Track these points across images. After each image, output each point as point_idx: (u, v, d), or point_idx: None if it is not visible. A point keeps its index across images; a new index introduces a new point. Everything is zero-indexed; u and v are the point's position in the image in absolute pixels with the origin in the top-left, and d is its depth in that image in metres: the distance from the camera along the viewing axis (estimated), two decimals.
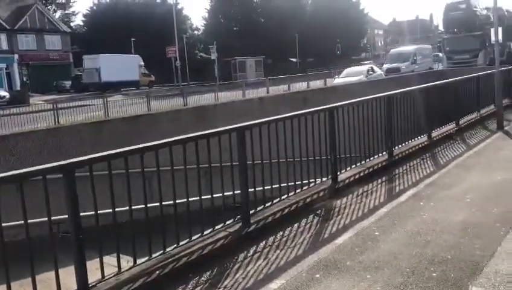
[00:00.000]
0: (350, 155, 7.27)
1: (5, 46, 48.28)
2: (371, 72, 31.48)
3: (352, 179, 6.78)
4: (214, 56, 48.66)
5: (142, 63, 50.76)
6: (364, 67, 33.03)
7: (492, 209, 5.33)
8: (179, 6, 65.72)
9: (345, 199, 6.11)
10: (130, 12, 61.11)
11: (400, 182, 6.85)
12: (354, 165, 7.19)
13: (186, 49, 55.22)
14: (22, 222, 3.33)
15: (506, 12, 36.52)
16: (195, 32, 73.04)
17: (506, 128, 10.97)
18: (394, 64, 36.86)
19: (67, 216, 3.56)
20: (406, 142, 8.68)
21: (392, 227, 5.01)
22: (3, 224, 3.25)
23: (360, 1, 79.45)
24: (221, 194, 4.95)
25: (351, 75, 30.59)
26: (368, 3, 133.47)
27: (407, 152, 8.34)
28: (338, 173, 6.61)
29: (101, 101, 19.96)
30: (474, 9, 36.49)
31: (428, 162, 8.03)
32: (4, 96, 33.26)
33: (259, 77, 46.11)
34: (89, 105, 20.75)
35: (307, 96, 20.05)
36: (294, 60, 67.03)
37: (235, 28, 68.13)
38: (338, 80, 30.56)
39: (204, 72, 53.90)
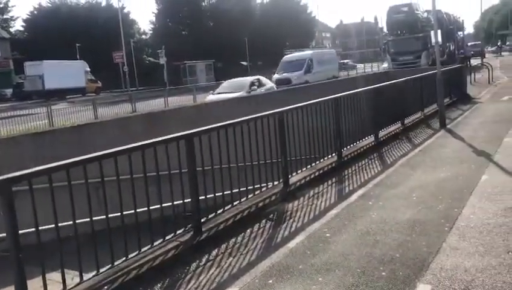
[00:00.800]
0: (300, 157, 7.34)
1: None
2: (255, 87, 23.72)
3: (303, 181, 6.84)
4: (162, 61, 48.04)
5: (88, 69, 49.33)
6: (247, 80, 25.11)
7: (437, 206, 5.52)
8: (125, 10, 64.54)
9: (296, 202, 6.15)
10: (74, 17, 59.28)
11: (350, 183, 6.98)
12: (304, 168, 7.27)
13: (134, 53, 54.28)
14: None
15: (445, 15, 38.34)
16: (143, 36, 71.91)
17: (448, 126, 11.45)
18: (284, 75, 30.33)
19: (5, 235, 3.37)
20: (355, 143, 8.87)
21: (343, 228, 5.09)
22: None
23: (307, 5, 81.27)
24: (170, 203, 4.84)
25: (229, 90, 23.34)
26: (315, 6, 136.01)
27: (355, 153, 8.52)
28: (289, 176, 6.65)
29: (44, 109, 19.14)
30: (416, 12, 37.98)
31: (376, 162, 8.23)
32: None
33: (210, 81, 45.90)
34: (32, 114, 19.87)
35: (259, 99, 20.09)
36: (244, 63, 67.28)
37: (183, 32, 67.58)
38: (211, 97, 23.13)
39: (154, 77, 53.15)
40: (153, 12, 70.88)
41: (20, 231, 3.41)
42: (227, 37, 62.84)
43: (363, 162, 8.19)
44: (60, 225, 3.76)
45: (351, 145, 8.70)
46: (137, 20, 75.75)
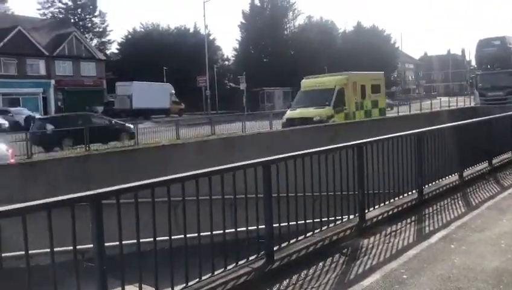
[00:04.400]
0: (378, 192, 7.11)
1: (43, 72, 50.42)
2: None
3: (380, 217, 6.61)
4: (242, 86, 49.23)
5: (173, 91, 51.78)
6: None
7: None
8: (211, 37, 67.13)
9: (372, 239, 5.94)
10: (163, 42, 62.87)
11: (430, 223, 6.64)
12: (382, 204, 7.03)
13: (217, 78, 56.18)
14: (48, 250, 3.35)
15: None
16: (226, 62, 74.39)
17: None
18: None
19: (92, 246, 3.57)
20: (437, 181, 8.46)
21: (422, 270, 4.83)
22: (31, 251, 3.26)
23: (391, 35, 79.97)
24: (245, 228, 4.88)
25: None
26: (399, 37, 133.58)
27: (437, 191, 8.11)
28: (366, 211, 6.46)
29: (131, 127, 20.47)
30: (509, 45, 36.03)
31: (460, 202, 7.78)
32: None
33: (286, 108, 46.20)
34: None
35: (335, 129, 19.93)
36: None
37: (265, 60, 69.03)
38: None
39: (233, 102, 54.55)
40: (237, 40, 73.39)
41: (106, 244, 3.60)
42: (307, 65, 63.16)
43: (446, 201, 7.77)
44: (141, 240, 3.93)
45: (433, 183, 8.30)
46: (221, 46, 78.51)
